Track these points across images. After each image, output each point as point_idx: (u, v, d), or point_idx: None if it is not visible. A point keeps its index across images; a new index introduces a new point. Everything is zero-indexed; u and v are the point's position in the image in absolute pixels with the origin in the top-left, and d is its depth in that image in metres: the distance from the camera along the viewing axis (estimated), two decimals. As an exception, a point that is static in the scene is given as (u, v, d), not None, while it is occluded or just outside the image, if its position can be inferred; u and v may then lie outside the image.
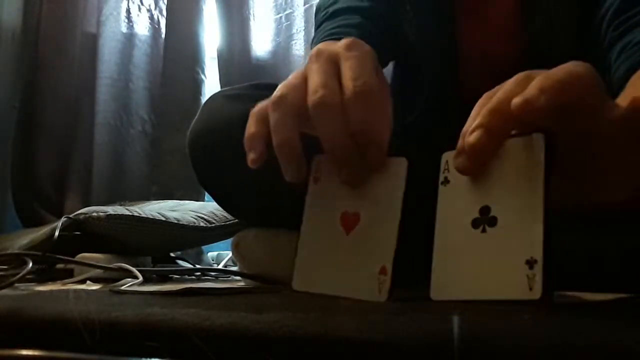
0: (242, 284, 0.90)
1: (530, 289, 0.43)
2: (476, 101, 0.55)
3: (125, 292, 0.54)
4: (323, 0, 0.92)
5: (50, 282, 1.00)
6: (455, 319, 0.33)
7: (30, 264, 0.89)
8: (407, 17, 0.86)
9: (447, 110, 0.87)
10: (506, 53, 0.82)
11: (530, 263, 0.43)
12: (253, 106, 0.63)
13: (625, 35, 0.69)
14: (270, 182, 0.64)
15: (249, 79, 1.74)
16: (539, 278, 0.42)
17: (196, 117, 0.80)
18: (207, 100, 0.82)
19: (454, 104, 0.86)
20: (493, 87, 0.79)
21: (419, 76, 0.88)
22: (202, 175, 0.84)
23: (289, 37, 1.80)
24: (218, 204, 0.91)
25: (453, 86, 0.86)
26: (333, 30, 0.83)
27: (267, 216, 0.81)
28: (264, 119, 0.54)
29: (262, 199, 0.77)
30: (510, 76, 0.59)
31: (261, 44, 1.81)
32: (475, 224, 0.47)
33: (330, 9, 0.87)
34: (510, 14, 0.82)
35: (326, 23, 0.86)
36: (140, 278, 0.97)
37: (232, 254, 0.88)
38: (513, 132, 0.47)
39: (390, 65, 0.99)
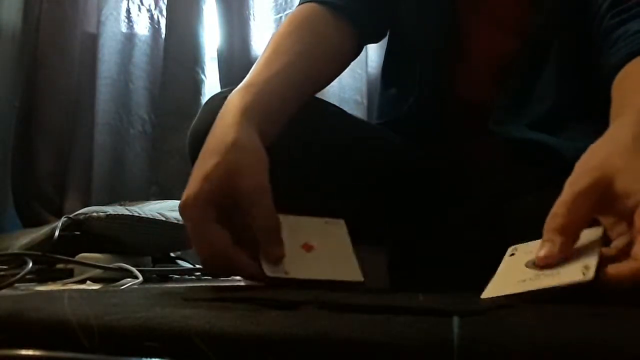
0: (242, 283, 0.90)
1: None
2: (466, 102, 0.56)
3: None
4: None
5: (50, 282, 1.00)
6: (455, 319, 0.33)
7: (30, 264, 0.89)
8: (407, 6, 0.86)
9: (437, 108, 0.87)
10: (505, 50, 0.82)
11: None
12: None
13: (623, 25, 0.70)
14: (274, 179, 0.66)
15: (249, 79, 1.73)
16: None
17: (196, 118, 0.81)
18: (207, 101, 0.83)
19: (445, 102, 0.86)
20: (485, 90, 0.80)
21: (412, 70, 0.88)
22: None
23: (289, 37, 1.79)
24: None
25: (445, 84, 0.86)
26: None
27: None
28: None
29: None
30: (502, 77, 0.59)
31: (261, 44, 1.81)
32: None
33: None
34: (514, 8, 0.82)
35: None
36: (140, 278, 0.97)
37: None
38: None
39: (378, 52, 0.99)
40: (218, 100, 0.82)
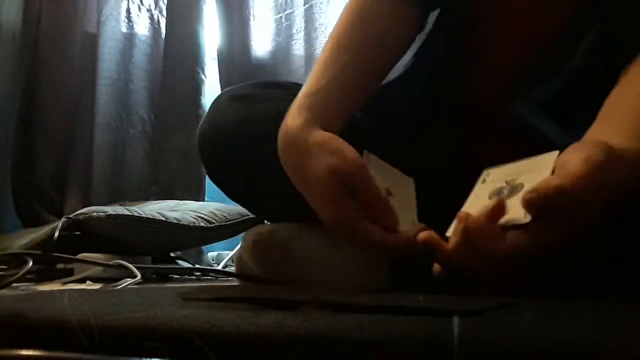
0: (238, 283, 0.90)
1: None
2: (478, 108, 0.58)
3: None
4: None
5: (50, 282, 1.00)
6: (455, 319, 0.33)
7: (30, 264, 0.89)
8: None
9: (439, 109, 0.87)
10: (516, 63, 0.81)
11: None
12: (258, 106, 0.67)
13: None
14: (280, 178, 0.66)
15: (249, 79, 1.74)
16: None
17: (204, 117, 0.84)
18: (214, 101, 0.85)
19: (447, 108, 0.86)
20: (492, 97, 0.80)
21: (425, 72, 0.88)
22: (213, 172, 0.87)
23: (289, 37, 1.80)
24: (230, 198, 0.93)
25: (450, 92, 0.86)
26: None
27: (280, 210, 0.83)
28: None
29: (272, 191, 0.78)
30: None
31: (261, 44, 1.81)
32: None
33: None
34: (530, 24, 0.81)
35: None
36: (139, 276, 0.97)
37: (246, 250, 0.86)
38: None
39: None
40: (225, 101, 0.83)
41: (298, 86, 0.77)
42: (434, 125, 0.87)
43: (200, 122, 0.84)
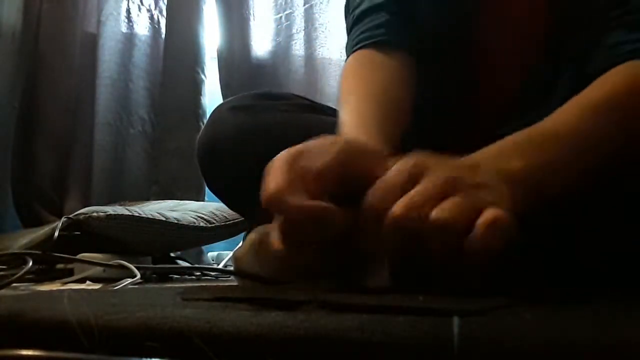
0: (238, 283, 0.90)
1: None
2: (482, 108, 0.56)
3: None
4: (348, 3, 0.91)
5: (50, 282, 1.00)
6: (455, 319, 0.33)
7: (30, 264, 0.89)
8: (423, 15, 0.86)
9: (448, 114, 0.86)
10: (522, 64, 0.81)
11: None
12: (258, 116, 0.66)
13: (609, 33, 0.69)
14: None
15: (249, 78, 1.74)
16: None
17: (203, 128, 0.84)
18: (213, 111, 0.85)
19: (460, 104, 0.86)
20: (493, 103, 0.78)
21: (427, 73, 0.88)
22: (212, 183, 0.87)
23: (289, 37, 1.80)
24: (228, 207, 0.93)
25: (462, 87, 0.86)
26: (362, 36, 0.81)
27: None
28: None
29: None
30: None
31: (261, 44, 1.81)
32: None
33: (357, 12, 0.87)
34: (535, 26, 0.81)
35: (355, 28, 0.85)
36: (138, 275, 0.97)
37: (250, 248, 0.86)
38: None
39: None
40: (225, 112, 0.83)
41: (297, 97, 0.77)
42: (434, 128, 0.87)
43: (200, 132, 0.84)
